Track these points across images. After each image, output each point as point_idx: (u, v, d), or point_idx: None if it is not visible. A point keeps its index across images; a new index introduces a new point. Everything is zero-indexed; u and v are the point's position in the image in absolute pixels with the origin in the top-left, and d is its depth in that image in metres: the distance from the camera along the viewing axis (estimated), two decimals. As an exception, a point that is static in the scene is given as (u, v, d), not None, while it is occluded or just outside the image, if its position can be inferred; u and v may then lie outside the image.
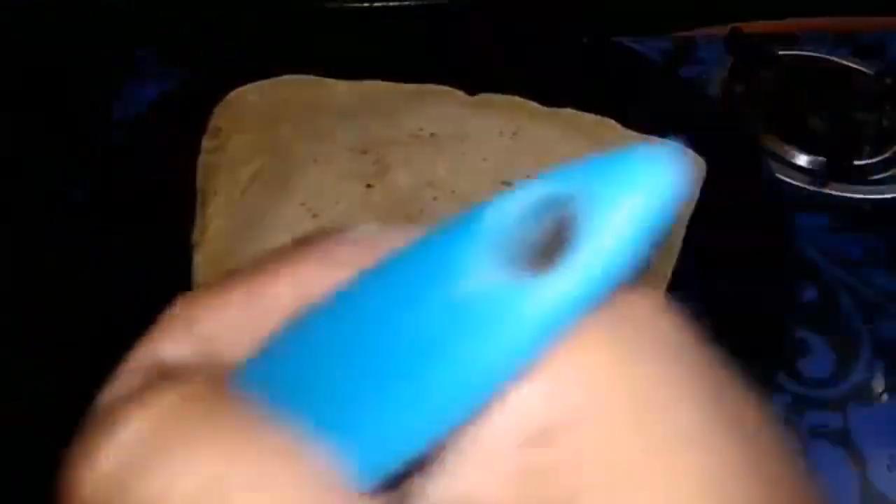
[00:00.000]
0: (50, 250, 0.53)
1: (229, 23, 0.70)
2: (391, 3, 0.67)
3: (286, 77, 0.53)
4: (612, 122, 0.51)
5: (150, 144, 0.48)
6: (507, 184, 0.46)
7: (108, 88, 0.65)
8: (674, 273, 0.43)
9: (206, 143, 0.48)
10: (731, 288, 0.42)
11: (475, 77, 0.52)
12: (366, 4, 0.58)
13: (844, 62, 0.67)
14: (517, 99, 0.52)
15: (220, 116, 0.50)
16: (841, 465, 0.44)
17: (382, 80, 0.52)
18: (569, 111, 0.51)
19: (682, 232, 0.45)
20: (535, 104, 0.51)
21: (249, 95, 0.51)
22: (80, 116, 0.67)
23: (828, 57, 0.69)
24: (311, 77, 0.53)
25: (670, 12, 0.77)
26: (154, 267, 0.41)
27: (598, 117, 0.51)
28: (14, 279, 0.49)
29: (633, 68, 0.55)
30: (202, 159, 0.47)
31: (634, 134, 0.51)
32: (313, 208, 0.44)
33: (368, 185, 0.45)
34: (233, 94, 0.51)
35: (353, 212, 0.43)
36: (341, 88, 0.52)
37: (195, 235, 0.44)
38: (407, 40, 0.55)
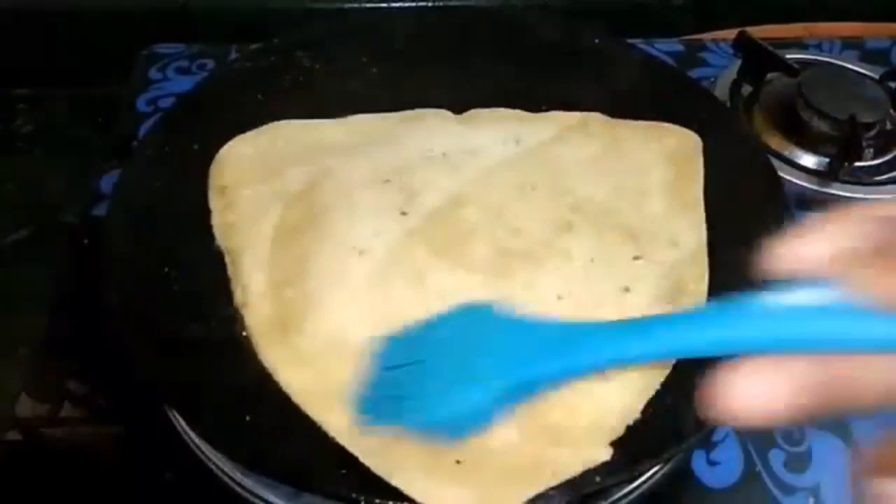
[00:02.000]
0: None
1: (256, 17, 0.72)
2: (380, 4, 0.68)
3: (271, 125, 0.52)
4: (598, 114, 0.53)
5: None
6: (533, 188, 0.47)
7: (134, 81, 0.67)
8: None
9: (214, 203, 0.47)
10: (731, 279, 0.44)
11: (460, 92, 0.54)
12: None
13: (850, 66, 0.69)
14: (502, 110, 0.53)
15: (220, 175, 0.48)
16: (837, 454, 0.45)
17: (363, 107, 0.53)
18: (555, 113, 0.53)
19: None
20: (520, 111, 0.53)
21: (242, 148, 0.50)
22: (106, 108, 0.69)
23: (834, 61, 0.70)
24: (297, 121, 0.52)
25: (680, 15, 0.79)
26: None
27: (584, 113, 0.53)
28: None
29: (642, 68, 0.57)
30: (216, 220, 0.46)
31: (621, 122, 0.53)
32: (358, 246, 0.43)
33: (403, 213, 0.45)
34: (224, 149, 0.49)
35: (398, 240, 0.43)
36: (330, 127, 0.52)
37: (238, 296, 0.43)
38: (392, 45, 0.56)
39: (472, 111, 0.53)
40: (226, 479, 0.42)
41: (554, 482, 0.34)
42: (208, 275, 0.43)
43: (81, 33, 0.78)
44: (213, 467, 0.42)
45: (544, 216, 0.46)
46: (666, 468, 0.43)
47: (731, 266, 0.44)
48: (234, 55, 0.66)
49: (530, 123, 0.52)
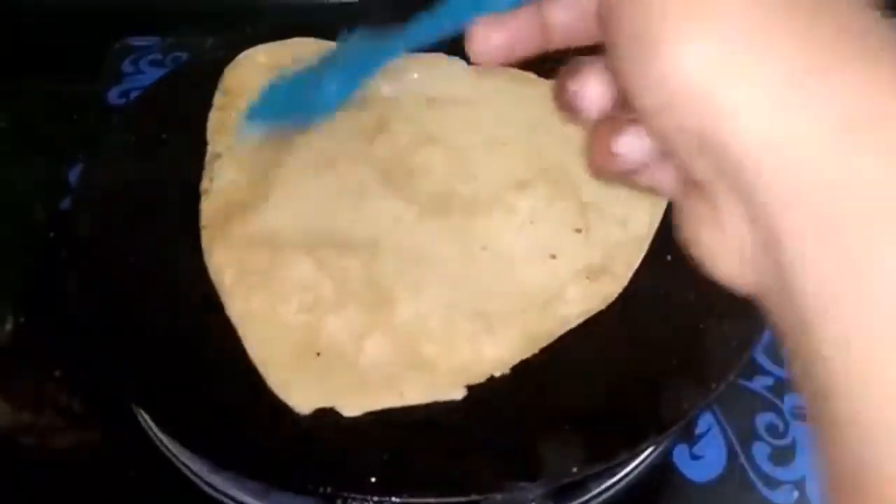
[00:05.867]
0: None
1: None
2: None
3: (293, 39, 0.54)
4: None
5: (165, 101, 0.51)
6: (505, 143, 0.47)
7: (106, 74, 0.65)
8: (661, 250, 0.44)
9: (217, 100, 0.50)
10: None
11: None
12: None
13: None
14: (517, 71, 0.52)
15: (231, 76, 0.52)
16: (822, 446, 0.44)
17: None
18: None
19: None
20: (531, 74, 0.53)
21: (258, 56, 0.53)
22: (81, 105, 0.67)
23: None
24: (317, 40, 0.54)
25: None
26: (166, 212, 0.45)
27: None
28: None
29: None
30: (213, 115, 0.50)
31: None
32: (316, 160, 0.45)
33: (370, 140, 0.46)
34: (242, 55, 0.53)
35: (356, 164, 0.45)
36: None
37: (203, 184, 0.46)
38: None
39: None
40: (193, 477, 0.41)
41: (397, 403, 0.36)
42: (172, 263, 0.42)
43: (56, 28, 0.76)
44: (179, 465, 0.41)
45: (506, 172, 0.46)
46: (647, 461, 0.42)
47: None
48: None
49: (536, 87, 0.52)
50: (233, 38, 0.55)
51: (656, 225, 0.45)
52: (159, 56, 0.67)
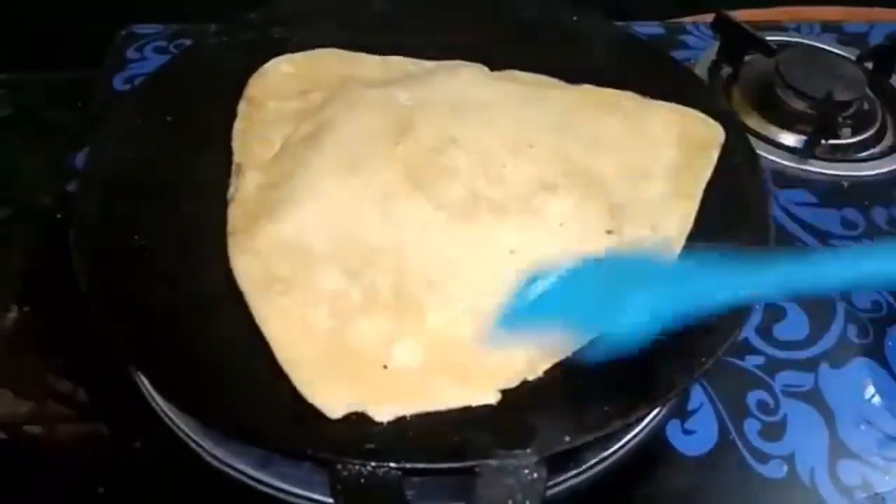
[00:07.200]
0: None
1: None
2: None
3: (319, 50, 0.54)
4: (630, 94, 0.52)
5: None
6: (531, 146, 0.46)
7: (111, 61, 0.66)
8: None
9: (241, 108, 0.50)
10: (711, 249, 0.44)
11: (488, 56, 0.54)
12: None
13: (828, 48, 0.69)
14: (540, 76, 0.53)
15: (256, 85, 0.52)
16: (812, 423, 0.45)
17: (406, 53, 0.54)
18: (587, 87, 0.53)
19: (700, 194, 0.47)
20: (556, 80, 0.53)
21: (284, 66, 0.53)
22: (86, 92, 0.68)
23: (812, 43, 0.70)
24: (343, 51, 0.54)
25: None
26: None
27: (617, 91, 0.52)
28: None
29: (622, 46, 0.57)
30: (237, 124, 0.49)
31: (652, 102, 0.52)
32: (343, 164, 0.45)
33: (396, 143, 0.46)
34: (268, 64, 0.53)
35: (380, 167, 0.45)
36: (371, 62, 0.54)
37: (231, 192, 0.46)
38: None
39: (510, 71, 0.53)
40: (196, 448, 0.42)
41: (431, 408, 0.36)
42: (177, 242, 0.42)
43: (61, 16, 0.77)
44: (183, 436, 0.42)
45: (532, 174, 0.45)
46: (640, 435, 0.43)
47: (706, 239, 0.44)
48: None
49: (559, 91, 0.52)
50: (236, 24, 0.56)
51: (686, 231, 0.44)
52: (163, 43, 0.68)
